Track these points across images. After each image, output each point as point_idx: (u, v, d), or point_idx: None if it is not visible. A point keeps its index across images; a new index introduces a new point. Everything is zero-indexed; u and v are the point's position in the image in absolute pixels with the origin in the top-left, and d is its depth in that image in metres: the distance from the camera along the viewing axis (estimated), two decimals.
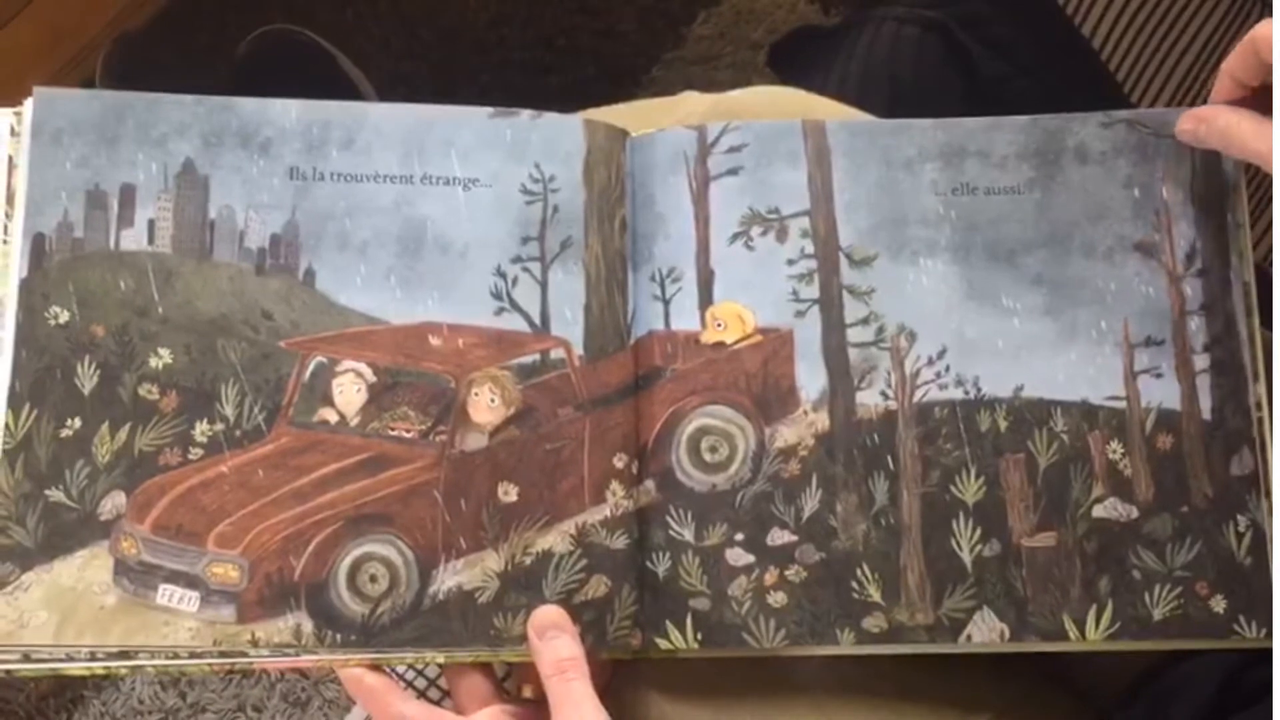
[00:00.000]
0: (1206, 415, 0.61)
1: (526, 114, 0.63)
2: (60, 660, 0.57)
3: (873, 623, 0.60)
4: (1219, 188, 0.63)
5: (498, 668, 0.63)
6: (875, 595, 0.60)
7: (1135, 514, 0.61)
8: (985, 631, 0.60)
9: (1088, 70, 0.87)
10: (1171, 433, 0.61)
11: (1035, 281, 0.62)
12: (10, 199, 0.60)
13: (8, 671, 0.57)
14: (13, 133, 0.61)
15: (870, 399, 0.62)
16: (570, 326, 0.62)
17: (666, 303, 0.63)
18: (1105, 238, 0.63)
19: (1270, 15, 0.58)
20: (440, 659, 0.59)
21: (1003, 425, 0.61)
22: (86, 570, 0.58)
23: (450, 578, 0.59)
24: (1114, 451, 0.61)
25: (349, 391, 0.61)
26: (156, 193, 0.61)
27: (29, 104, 0.61)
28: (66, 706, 1.24)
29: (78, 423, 0.59)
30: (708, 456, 0.62)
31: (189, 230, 0.61)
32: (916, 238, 0.63)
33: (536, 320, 0.62)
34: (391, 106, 0.63)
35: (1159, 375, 0.62)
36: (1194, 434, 0.61)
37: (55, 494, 0.58)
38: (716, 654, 0.61)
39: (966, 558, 0.60)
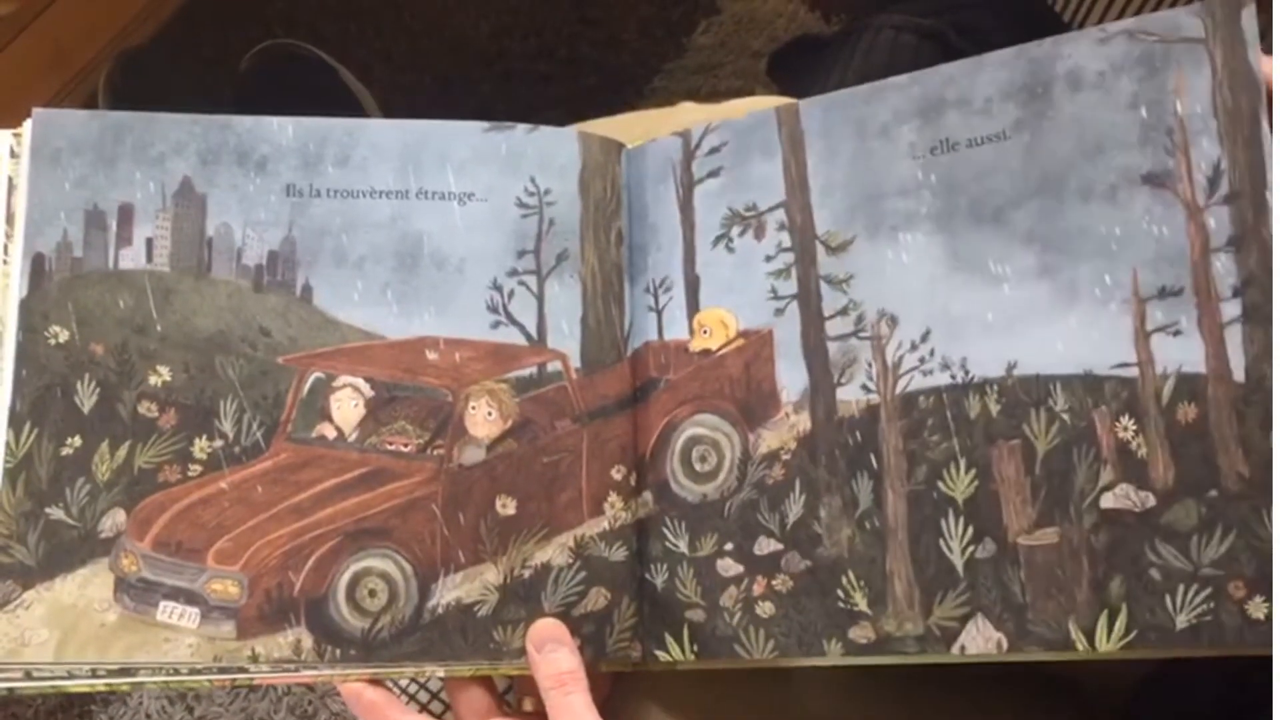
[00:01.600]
0: (1239, 376, 0.51)
1: (521, 127, 0.63)
2: (62, 677, 0.57)
3: (860, 633, 0.56)
4: (1250, 89, 0.52)
5: (499, 681, 0.63)
6: (862, 604, 0.57)
7: (1152, 502, 0.52)
8: (980, 642, 0.54)
9: None
10: (1195, 401, 0.51)
11: (1026, 239, 0.55)
12: (10, 220, 0.61)
13: (10, 689, 0.58)
14: (12, 154, 0.61)
15: (851, 394, 0.58)
16: (567, 339, 0.62)
17: (659, 313, 0.63)
18: (1106, 174, 0.54)
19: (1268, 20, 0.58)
20: (440, 672, 0.60)
21: (994, 409, 0.55)
22: (87, 588, 0.58)
23: (449, 591, 0.59)
24: (1124, 429, 0.53)
25: (347, 406, 0.61)
26: (154, 211, 0.61)
27: (28, 125, 0.61)
28: None
29: (78, 441, 0.59)
30: (698, 466, 0.61)
31: (187, 248, 0.61)
32: (894, 211, 0.58)
33: (533, 333, 0.62)
34: (386, 122, 0.63)
35: (1177, 333, 0.52)
36: (1223, 401, 0.51)
37: (56, 512, 0.58)
38: (711, 665, 0.60)
39: (957, 560, 0.55)
